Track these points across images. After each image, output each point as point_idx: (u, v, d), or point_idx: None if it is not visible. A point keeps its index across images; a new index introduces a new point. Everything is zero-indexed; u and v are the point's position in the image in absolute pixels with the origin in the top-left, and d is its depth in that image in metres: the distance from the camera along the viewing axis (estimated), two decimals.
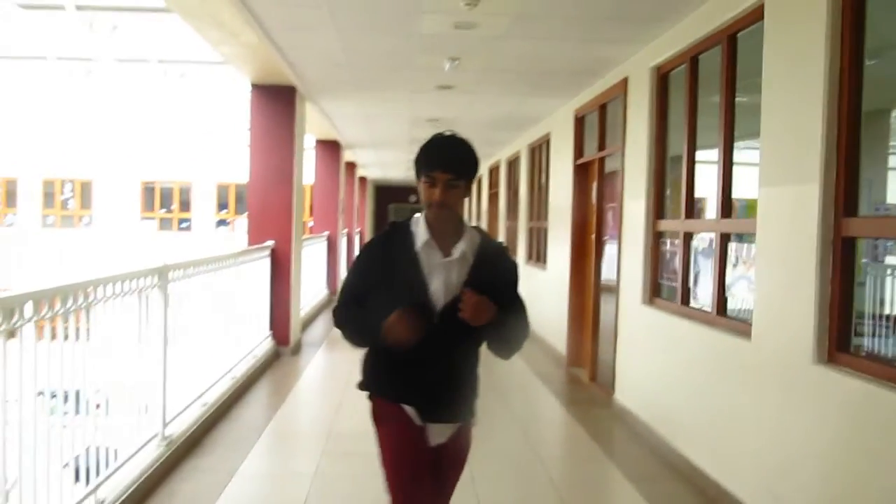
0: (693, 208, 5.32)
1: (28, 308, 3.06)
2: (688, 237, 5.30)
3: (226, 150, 24.55)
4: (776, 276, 3.91)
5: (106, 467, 3.90)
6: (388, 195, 28.09)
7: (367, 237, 24.64)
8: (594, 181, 7.75)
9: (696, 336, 4.88)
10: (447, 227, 2.57)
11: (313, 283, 12.27)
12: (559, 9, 5.27)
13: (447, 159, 2.51)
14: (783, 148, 3.87)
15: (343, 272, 16.25)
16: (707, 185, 5.00)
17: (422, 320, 2.45)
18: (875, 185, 3.88)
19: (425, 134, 10.66)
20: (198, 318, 5.61)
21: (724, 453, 4.42)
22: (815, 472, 3.47)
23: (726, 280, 4.71)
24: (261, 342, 7.89)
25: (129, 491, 4.00)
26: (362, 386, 2.70)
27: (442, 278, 2.53)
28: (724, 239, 4.73)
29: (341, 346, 9.64)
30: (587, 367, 7.83)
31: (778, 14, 3.94)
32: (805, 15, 3.63)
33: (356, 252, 19.79)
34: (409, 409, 2.58)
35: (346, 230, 16.88)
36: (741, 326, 4.34)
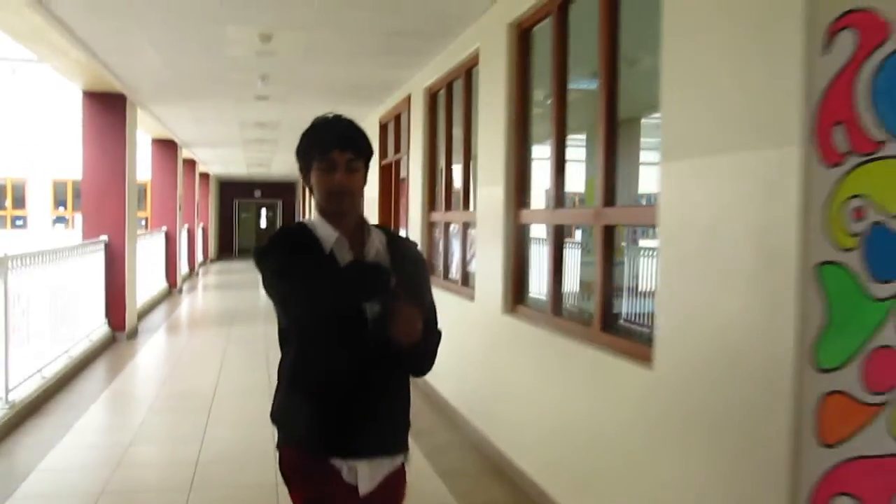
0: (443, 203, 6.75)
1: None
2: (447, 225, 6.74)
3: (62, 146, 24.25)
4: (485, 253, 5.33)
5: None
6: (232, 190, 28.51)
7: (212, 232, 25.13)
8: (394, 180, 9.11)
9: (454, 304, 6.26)
10: (350, 222, 2.13)
11: (151, 275, 12.97)
12: (343, 43, 6.51)
13: (343, 137, 2.10)
14: (486, 163, 5.31)
15: (184, 265, 16.89)
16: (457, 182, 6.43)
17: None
18: (631, 180, 4.44)
19: (255, 135, 12.01)
20: (33, 302, 6.47)
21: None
22: (519, 393, 4.88)
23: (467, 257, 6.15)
24: (97, 328, 8.71)
25: None
26: (276, 421, 2.21)
27: None
28: (465, 227, 6.16)
29: (177, 332, 10.57)
30: None
31: (486, 63, 5.35)
32: (496, 73, 5.03)
33: (198, 245, 20.23)
34: (337, 463, 2.09)
35: (186, 225, 17.49)
36: (469, 291, 5.78)
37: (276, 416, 2.19)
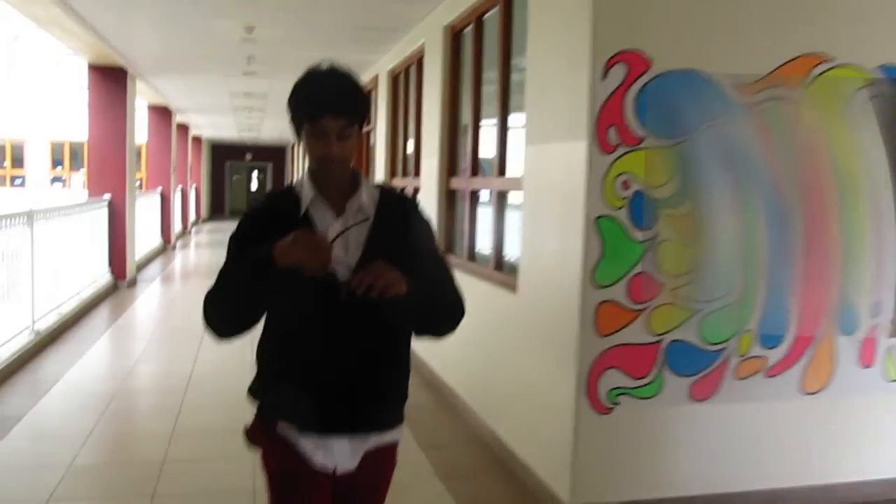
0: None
1: None
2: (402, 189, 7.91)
3: (59, 108, 25.19)
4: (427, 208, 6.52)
5: None
6: (224, 153, 29.52)
7: (204, 193, 26.22)
8: (365, 148, 10.26)
9: None
10: (339, 181, 2.01)
11: (149, 231, 14.13)
12: (318, 32, 7.61)
13: (336, 101, 1.93)
14: (427, 137, 6.48)
15: (177, 223, 18.05)
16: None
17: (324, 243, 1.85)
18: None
19: (245, 103, 13.46)
20: (51, 250, 7.66)
21: None
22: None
23: None
24: (102, 275, 9.91)
25: (17, 356, 6.13)
26: (253, 393, 2.09)
27: (339, 243, 1.93)
28: (415, 190, 7.33)
29: (171, 282, 11.86)
30: None
31: (428, 55, 6.48)
32: (435, 64, 6.18)
33: (191, 205, 21.34)
34: (310, 443, 1.99)
35: (179, 186, 18.59)
36: None
37: (253, 388, 2.08)
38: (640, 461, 3.63)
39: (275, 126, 18.70)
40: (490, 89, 5.47)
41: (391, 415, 2.09)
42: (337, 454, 2.01)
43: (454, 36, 5.95)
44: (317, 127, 1.92)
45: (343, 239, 1.94)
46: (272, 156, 29.67)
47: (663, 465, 3.65)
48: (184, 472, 4.20)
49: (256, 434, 2.06)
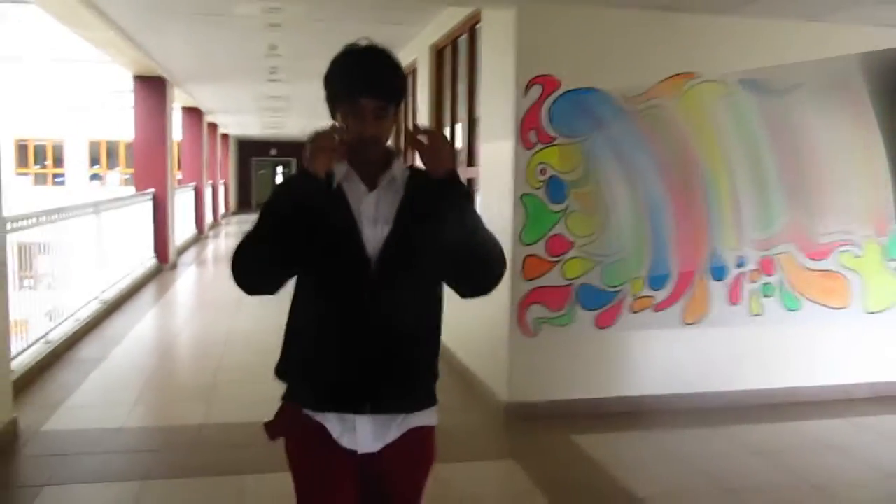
0: None
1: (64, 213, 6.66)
2: None
3: (96, 109, 26.81)
4: None
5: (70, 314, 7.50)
6: (250, 149, 31.09)
7: (232, 187, 27.77)
8: None
9: None
10: (372, 159, 1.90)
11: (185, 222, 15.65)
12: (332, 47, 8.96)
13: (373, 81, 1.84)
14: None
15: (209, 216, 19.58)
16: None
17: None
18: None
19: (270, 105, 15.35)
20: (113, 235, 9.15)
21: None
22: None
23: None
24: (148, 259, 11.41)
25: (84, 323, 7.61)
26: (279, 374, 2.01)
27: (371, 215, 1.87)
28: None
29: (206, 266, 13.43)
30: None
31: (419, 68, 7.84)
32: (423, 76, 7.54)
33: (220, 199, 22.84)
34: (331, 419, 1.91)
35: (210, 182, 20.11)
36: None
37: (279, 369, 2.00)
38: (557, 371, 4.99)
39: (297, 123, 20.15)
40: (462, 97, 6.84)
41: (417, 395, 1.96)
42: (360, 435, 1.90)
43: (437, 53, 7.30)
44: (353, 107, 1.84)
45: (375, 211, 1.88)
46: (296, 151, 31.11)
47: (575, 374, 5.02)
48: (229, 391, 5.61)
49: (278, 425, 1.97)
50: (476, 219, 1.90)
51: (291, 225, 1.79)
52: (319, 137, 1.79)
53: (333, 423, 1.91)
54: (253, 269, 1.87)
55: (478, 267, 1.91)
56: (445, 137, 1.88)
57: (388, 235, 1.86)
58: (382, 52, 1.90)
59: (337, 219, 1.85)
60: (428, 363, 1.98)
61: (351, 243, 1.86)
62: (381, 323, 1.87)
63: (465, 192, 1.89)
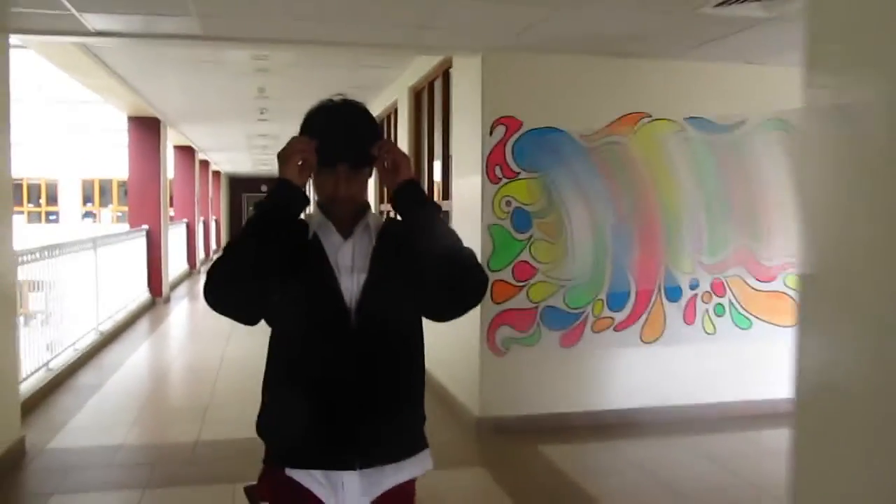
0: None
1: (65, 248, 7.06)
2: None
3: (89, 148, 27.27)
4: None
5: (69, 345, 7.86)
6: (241, 186, 31.54)
7: (224, 224, 28.19)
8: None
9: None
10: (346, 211, 1.91)
11: (177, 257, 16.03)
12: (317, 88, 9.47)
13: (345, 147, 1.83)
14: None
15: (201, 252, 19.97)
16: None
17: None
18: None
19: (260, 143, 15.86)
20: (109, 269, 9.54)
21: None
22: None
23: None
24: (143, 293, 11.80)
25: (79, 356, 7.97)
26: (261, 430, 1.95)
27: (347, 265, 1.86)
28: None
29: (198, 300, 13.77)
30: None
31: (399, 107, 8.33)
32: (403, 115, 8.03)
33: (212, 234, 23.18)
34: (316, 476, 1.86)
35: (202, 218, 20.53)
36: None
37: (260, 425, 1.95)
38: (526, 388, 5.39)
39: None
40: (438, 135, 7.31)
41: (408, 442, 1.93)
42: (347, 492, 1.85)
43: (416, 95, 7.79)
44: (328, 168, 1.84)
45: (351, 260, 1.87)
46: None
47: (542, 390, 5.42)
48: (221, 417, 5.98)
49: (261, 489, 1.94)
50: (446, 225, 1.93)
51: (272, 228, 1.79)
52: (292, 142, 1.81)
53: (319, 482, 1.86)
54: (227, 276, 1.82)
55: (457, 272, 1.84)
56: (402, 151, 1.88)
57: (365, 283, 1.86)
58: (357, 113, 1.90)
59: (316, 270, 1.86)
60: (414, 408, 1.96)
61: (330, 294, 1.84)
62: (365, 374, 1.84)
63: (431, 198, 1.93)
